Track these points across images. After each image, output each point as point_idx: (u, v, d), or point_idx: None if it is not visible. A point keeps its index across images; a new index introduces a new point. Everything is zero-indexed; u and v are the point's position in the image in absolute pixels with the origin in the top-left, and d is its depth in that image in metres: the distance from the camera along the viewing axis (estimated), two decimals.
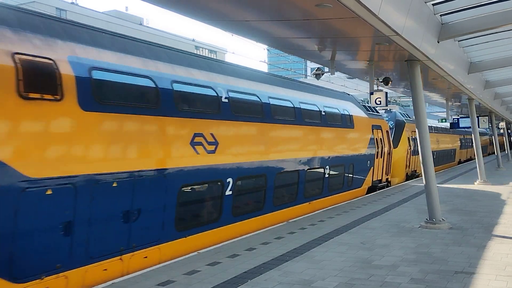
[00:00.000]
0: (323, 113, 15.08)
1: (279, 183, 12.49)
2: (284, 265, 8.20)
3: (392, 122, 25.00)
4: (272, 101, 12.48)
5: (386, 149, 21.11)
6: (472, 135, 24.82)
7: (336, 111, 16.26)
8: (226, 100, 10.58)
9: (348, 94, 19.44)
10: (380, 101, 13.52)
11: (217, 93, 10.37)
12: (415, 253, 9.05)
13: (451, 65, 14.89)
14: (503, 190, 19.43)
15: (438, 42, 12.01)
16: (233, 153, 10.67)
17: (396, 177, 24.11)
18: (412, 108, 14.22)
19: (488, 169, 28.07)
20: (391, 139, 22.48)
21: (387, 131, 21.59)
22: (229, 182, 10.35)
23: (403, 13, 9.53)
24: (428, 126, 27.25)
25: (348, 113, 17.14)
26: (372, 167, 19.24)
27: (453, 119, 29.96)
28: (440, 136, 34.90)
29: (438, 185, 16.99)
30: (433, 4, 10.88)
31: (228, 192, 10.41)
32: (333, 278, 7.45)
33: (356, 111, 18.20)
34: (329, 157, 15.23)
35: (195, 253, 9.05)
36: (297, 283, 7.22)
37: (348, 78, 21.94)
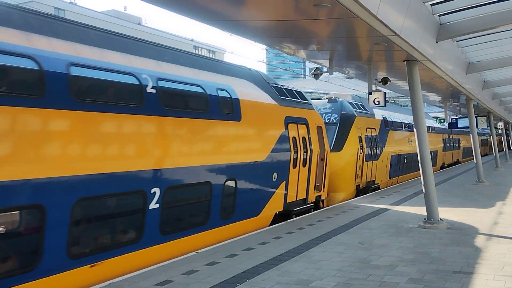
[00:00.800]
0: (152, 92, 8.48)
1: None
2: (282, 265, 8.20)
3: (336, 115, 18.60)
4: None
5: (315, 154, 14.49)
6: (470, 135, 24.68)
7: (197, 90, 9.87)
8: None
9: (249, 69, 12.87)
10: (379, 101, 13.51)
11: None
12: (413, 253, 9.06)
13: (449, 65, 14.92)
14: (502, 191, 19.44)
15: (437, 42, 12.03)
16: None
17: (341, 191, 17.76)
18: (410, 108, 14.22)
19: (487, 170, 28.10)
20: (326, 139, 15.83)
21: (319, 127, 15.13)
22: None
23: (401, 13, 9.54)
24: (399, 122, 24.34)
25: (228, 96, 10.71)
26: (284, 182, 12.70)
27: (452, 119, 29.99)
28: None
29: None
30: (432, 4, 10.90)
31: None
32: (331, 278, 7.46)
33: (251, 94, 11.77)
34: (163, 172, 8.51)
35: (194, 252, 9.05)
36: (295, 283, 7.23)
37: (346, 78, 21.57)
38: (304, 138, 13.93)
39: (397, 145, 23.99)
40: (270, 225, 12.15)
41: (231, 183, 10.61)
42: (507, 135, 52.25)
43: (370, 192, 19.61)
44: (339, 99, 19.61)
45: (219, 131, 10.33)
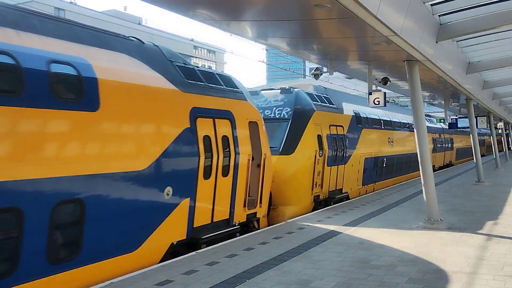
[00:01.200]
0: None
1: None
2: (282, 265, 8.20)
3: (289, 109, 15.05)
4: None
5: (245, 158, 11.11)
6: (470, 135, 24.64)
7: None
8: None
9: (141, 42, 9.51)
10: (379, 101, 13.53)
11: None
12: (413, 253, 9.07)
13: (449, 65, 14.92)
14: (502, 191, 19.44)
15: (437, 42, 12.04)
16: None
17: (292, 204, 14.17)
18: (410, 107, 14.22)
19: (487, 170, 28.11)
20: (265, 139, 12.41)
21: (253, 123, 11.81)
22: None
23: (401, 13, 9.55)
24: (376, 119, 21.50)
25: (73, 73, 7.36)
26: (187, 199, 9.30)
27: (452, 119, 30.00)
28: (399, 135, 24.26)
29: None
30: (432, 5, 10.90)
31: None
32: (331, 278, 7.46)
33: (127, 73, 8.38)
34: None
35: (194, 252, 9.06)
36: (295, 283, 7.23)
37: (347, 78, 21.42)
38: (225, 137, 10.49)
39: (373, 146, 20.54)
40: (167, 259, 8.80)
41: (72, 207, 7.15)
42: (507, 135, 52.16)
43: (334, 204, 15.85)
44: (295, 89, 16.02)
45: (46, 125, 6.85)
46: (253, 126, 11.79)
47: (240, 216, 11.25)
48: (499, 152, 39.33)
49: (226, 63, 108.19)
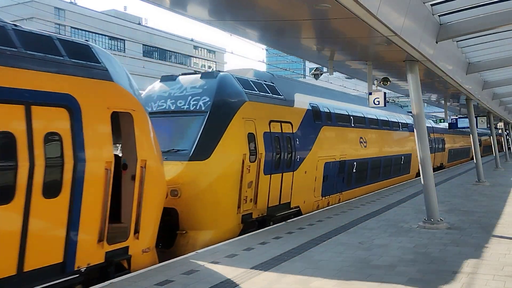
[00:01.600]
0: None
1: None
2: (282, 265, 8.20)
3: (207, 99, 11.32)
4: None
5: (99, 167, 7.36)
6: (470, 135, 24.64)
7: None
8: None
9: None
10: (379, 101, 13.53)
11: None
12: (413, 253, 9.07)
13: (449, 65, 14.92)
14: (502, 191, 19.44)
15: (437, 42, 12.04)
16: None
17: (209, 228, 10.62)
18: (410, 108, 14.21)
19: (487, 170, 28.12)
20: (149, 138, 8.62)
21: (123, 115, 8.29)
22: None
23: (401, 13, 9.55)
24: (343, 114, 17.45)
25: None
26: None
27: (452, 119, 30.02)
28: (375, 134, 20.33)
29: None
30: (432, 5, 10.91)
31: None
32: (331, 278, 7.45)
33: None
34: None
35: (194, 252, 9.07)
36: (295, 283, 7.23)
37: (347, 78, 21.39)
38: (54, 135, 6.83)
39: (337, 147, 16.48)
40: None
41: None
42: (507, 135, 52.12)
43: (275, 224, 12.21)
44: (221, 73, 12.25)
45: None
46: (124, 119, 8.33)
47: (92, 255, 7.36)
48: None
49: (227, 63, 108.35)
